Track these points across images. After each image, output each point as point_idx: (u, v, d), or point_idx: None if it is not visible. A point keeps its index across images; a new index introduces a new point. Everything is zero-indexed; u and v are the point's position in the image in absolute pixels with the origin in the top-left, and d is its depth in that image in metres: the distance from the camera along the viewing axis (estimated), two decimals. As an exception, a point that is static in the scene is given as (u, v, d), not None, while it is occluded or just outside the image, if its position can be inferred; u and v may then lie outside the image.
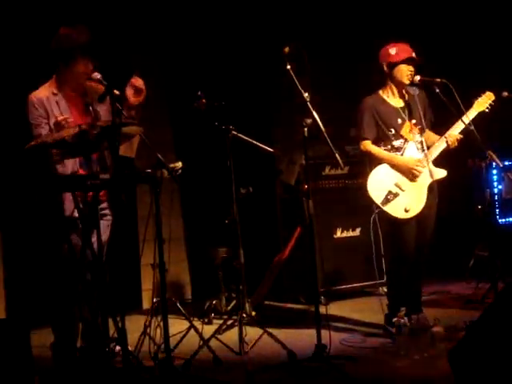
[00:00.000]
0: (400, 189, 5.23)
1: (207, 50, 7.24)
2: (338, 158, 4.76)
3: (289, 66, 4.66)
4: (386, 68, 5.36)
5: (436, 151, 5.32)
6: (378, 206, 5.19)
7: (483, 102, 5.34)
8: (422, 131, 5.38)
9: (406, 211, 5.20)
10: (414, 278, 5.46)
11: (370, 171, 5.34)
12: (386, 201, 5.18)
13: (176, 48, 7.22)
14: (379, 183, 5.23)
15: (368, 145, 5.34)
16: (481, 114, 5.33)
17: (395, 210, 5.18)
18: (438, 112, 5.55)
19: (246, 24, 7.47)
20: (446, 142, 5.28)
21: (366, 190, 5.22)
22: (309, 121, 4.63)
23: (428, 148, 5.33)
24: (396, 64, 5.31)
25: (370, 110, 5.34)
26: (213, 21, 7.27)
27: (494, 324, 3.59)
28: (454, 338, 4.77)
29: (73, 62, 4.52)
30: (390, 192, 5.20)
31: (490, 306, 3.83)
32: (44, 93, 4.59)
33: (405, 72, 5.31)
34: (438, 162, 5.38)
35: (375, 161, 5.33)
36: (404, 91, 5.42)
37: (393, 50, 5.33)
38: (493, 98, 5.36)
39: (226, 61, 7.27)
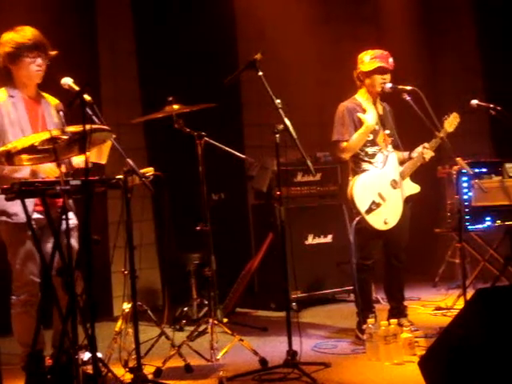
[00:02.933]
0: (382, 199, 5.24)
1: (181, 53, 7.24)
2: (310, 164, 4.74)
3: (260, 73, 4.64)
4: (360, 76, 5.38)
5: (414, 167, 5.37)
6: (360, 214, 5.18)
7: (451, 123, 5.40)
8: (394, 144, 5.42)
9: (385, 223, 5.22)
10: (396, 285, 5.52)
11: (351, 177, 5.33)
12: (370, 210, 5.18)
13: (150, 51, 7.20)
14: (364, 191, 5.22)
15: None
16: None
17: (376, 221, 5.20)
18: (407, 121, 5.60)
19: (219, 27, 7.50)
20: (423, 158, 5.33)
21: (351, 197, 5.20)
22: (280, 127, 4.61)
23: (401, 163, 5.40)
24: (368, 73, 5.33)
25: (348, 113, 5.32)
26: (186, 24, 7.28)
27: (464, 331, 3.61)
28: (425, 345, 4.81)
29: (20, 60, 4.57)
30: (373, 202, 5.20)
31: (460, 313, 3.85)
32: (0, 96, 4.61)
33: (377, 81, 5.32)
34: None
35: (354, 166, 5.34)
36: (378, 101, 5.44)
37: (366, 58, 5.33)
38: (459, 119, 5.43)
39: (198, 65, 7.27)
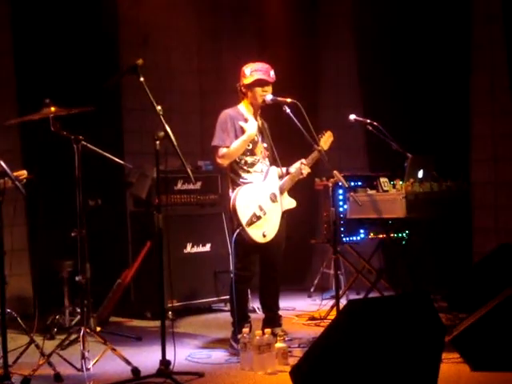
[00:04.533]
0: (263, 211, 5.27)
1: (61, 56, 7.09)
2: (190, 172, 4.74)
3: (142, 78, 4.60)
4: (242, 88, 5.43)
5: (292, 182, 5.47)
6: (241, 226, 5.19)
7: (326, 141, 5.54)
8: (271, 159, 5.50)
9: (264, 236, 5.26)
10: (271, 295, 5.57)
11: (231, 188, 5.33)
12: (251, 222, 5.20)
13: (28, 52, 7.01)
14: (246, 203, 5.23)
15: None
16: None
17: (256, 233, 5.23)
18: (287, 135, 5.69)
19: (102, 32, 7.41)
20: (301, 173, 5.42)
21: (233, 208, 5.19)
22: (161, 134, 4.58)
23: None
24: (249, 85, 5.38)
25: (231, 120, 5.38)
26: (68, 26, 7.14)
27: (335, 341, 3.68)
28: (299, 355, 4.86)
29: None
30: (254, 214, 5.23)
31: (331, 323, 3.92)
32: None
33: (258, 93, 5.40)
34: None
35: (234, 175, 5.35)
36: (259, 115, 5.50)
37: (247, 71, 5.40)
38: (332, 138, 5.60)
39: (80, 69, 7.13)
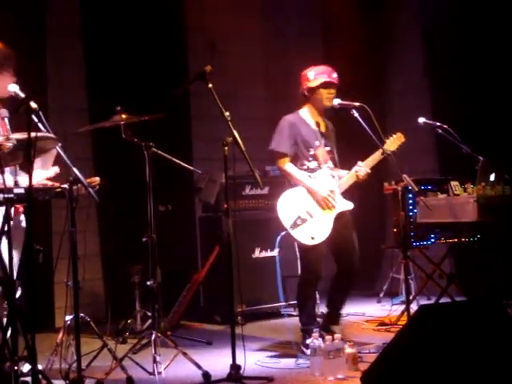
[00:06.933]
0: (309, 215, 5.26)
1: (131, 64, 7.20)
2: (258, 177, 4.77)
3: (210, 85, 4.65)
4: (306, 92, 5.43)
5: (346, 184, 5.40)
6: (285, 230, 5.20)
7: (393, 143, 5.45)
8: (334, 162, 5.47)
9: (312, 238, 5.22)
10: (342, 296, 5.53)
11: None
12: (295, 225, 5.20)
13: (99, 61, 7.16)
14: (290, 206, 5.25)
15: (285, 162, 5.38)
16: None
17: (302, 235, 5.21)
18: (353, 136, 5.65)
19: (170, 40, 7.50)
20: (357, 176, 5.36)
21: (276, 212, 5.24)
22: (229, 139, 4.62)
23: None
24: (314, 89, 5.37)
25: (291, 127, 5.40)
26: (137, 35, 7.26)
27: (406, 347, 3.64)
28: (368, 361, 4.82)
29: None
30: (299, 217, 5.23)
31: (402, 328, 3.88)
32: None
33: (324, 95, 5.39)
34: (354, 187, 5.47)
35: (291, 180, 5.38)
36: (322, 119, 5.49)
37: (311, 75, 5.41)
38: (403, 139, 5.48)
39: (149, 77, 7.24)
